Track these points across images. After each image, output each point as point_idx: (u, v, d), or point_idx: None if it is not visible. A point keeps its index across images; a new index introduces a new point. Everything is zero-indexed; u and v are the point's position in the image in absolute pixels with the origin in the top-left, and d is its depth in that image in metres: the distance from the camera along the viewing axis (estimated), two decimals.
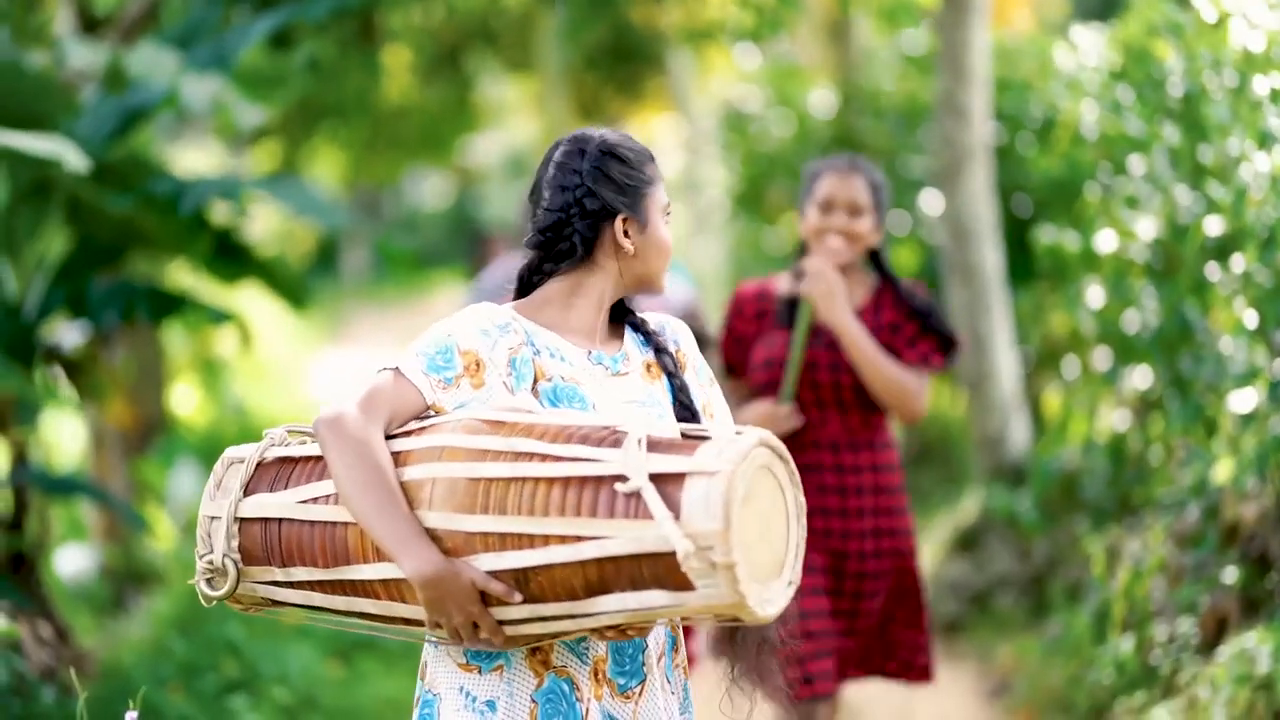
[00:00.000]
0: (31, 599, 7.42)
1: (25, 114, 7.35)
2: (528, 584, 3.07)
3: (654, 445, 3.08)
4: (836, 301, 5.31)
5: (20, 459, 7.72)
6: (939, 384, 12.39)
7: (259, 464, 3.34)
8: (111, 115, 7.94)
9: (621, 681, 3.30)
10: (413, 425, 3.22)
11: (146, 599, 9.86)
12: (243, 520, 3.30)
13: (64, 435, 12.88)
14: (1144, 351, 7.49)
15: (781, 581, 3.09)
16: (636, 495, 3.01)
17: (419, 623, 3.19)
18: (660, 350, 3.48)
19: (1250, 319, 6.30)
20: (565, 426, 3.14)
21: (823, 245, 5.41)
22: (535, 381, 3.29)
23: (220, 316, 8.16)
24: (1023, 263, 10.33)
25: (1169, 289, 7.29)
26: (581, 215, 3.35)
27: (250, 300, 15.16)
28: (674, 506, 2.99)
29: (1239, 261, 6.46)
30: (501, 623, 3.11)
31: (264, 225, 22.56)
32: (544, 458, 3.09)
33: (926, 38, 12.51)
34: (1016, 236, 10.50)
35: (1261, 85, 6.39)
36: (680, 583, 2.99)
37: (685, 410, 3.42)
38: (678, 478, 3.01)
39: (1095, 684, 6.80)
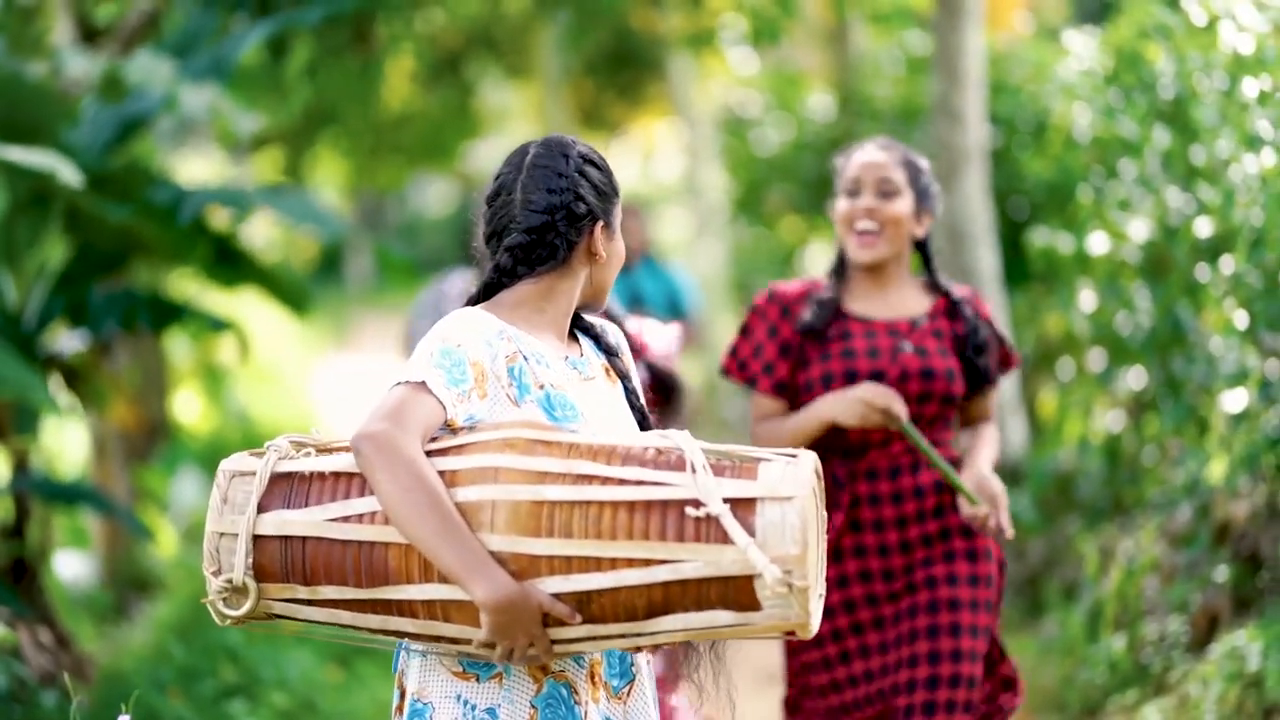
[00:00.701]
0: (32, 606, 7.46)
1: (24, 123, 7.40)
2: (589, 605, 3.10)
3: (715, 469, 3.12)
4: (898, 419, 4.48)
5: (21, 467, 7.77)
6: None
7: (275, 476, 3.27)
8: (110, 124, 8.00)
9: (615, 683, 3.32)
10: (447, 443, 3.19)
11: (149, 605, 9.91)
12: (258, 537, 3.22)
13: (67, 443, 12.93)
14: (1137, 352, 7.53)
15: (817, 593, 3.14)
16: (710, 519, 3.06)
17: (459, 640, 3.15)
18: (611, 353, 3.50)
19: (1240, 319, 6.34)
20: (612, 446, 3.17)
21: (851, 235, 4.63)
22: (530, 390, 3.27)
23: (219, 324, 8.21)
24: (1018, 265, 10.36)
25: (1161, 290, 7.33)
26: (568, 219, 3.33)
27: (254, 307, 15.20)
28: (748, 531, 3.05)
29: (1228, 263, 6.51)
30: (555, 642, 3.12)
31: (267, 232, 22.61)
32: (605, 480, 3.12)
33: (922, 41, 12.55)
34: (1012, 239, 10.54)
35: (1250, 87, 6.43)
36: (748, 603, 3.06)
37: (637, 413, 3.45)
38: (749, 502, 3.06)
39: (1088, 683, 6.83)
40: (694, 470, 3.09)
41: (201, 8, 8.78)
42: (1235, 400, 6.43)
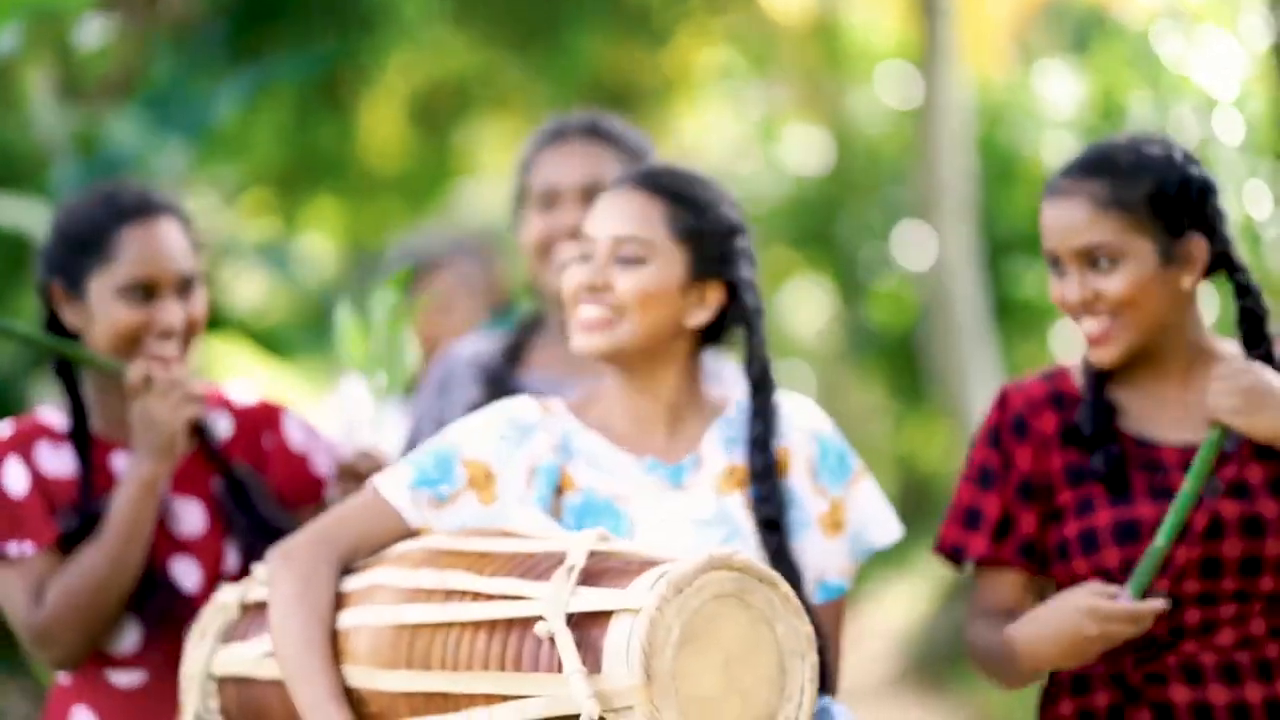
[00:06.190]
0: (24, 669, 7.45)
1: None
2: None
3: (597, 574, 2.45)
4: (1262, 411, 2.77)
5: None
6: (928, 428, 12.38)
7: (246, 606, 2.82)
8: (86, 179, 8.01)
9: None
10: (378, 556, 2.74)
11: None
12: (221, 679, 2.79)
13: None
14: None
15: None
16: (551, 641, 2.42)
17: None
18: (757, 449, 2.80)
19: None
20: (517, 553, 2.56)
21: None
22: (561, 493, 2.77)
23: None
24: (1006, 306, 10.35)
25: None
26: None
27: (243, 357, 15.19)
28: (595, 655, 2.37)
29: None
30: None
31: (257, 286, 22.63)
32: (474, 596, 2.51)
33: (909, 86, 12.57)
34: (997, 280, 10.52)
35: (1221, 127, 6.45)
36: None
37: (768, 523, 2.77)
38: (603, 617, 2.38)
39: None
40: (566, 576, 2.44)
41: (175, 62, 8.80)
42: None
